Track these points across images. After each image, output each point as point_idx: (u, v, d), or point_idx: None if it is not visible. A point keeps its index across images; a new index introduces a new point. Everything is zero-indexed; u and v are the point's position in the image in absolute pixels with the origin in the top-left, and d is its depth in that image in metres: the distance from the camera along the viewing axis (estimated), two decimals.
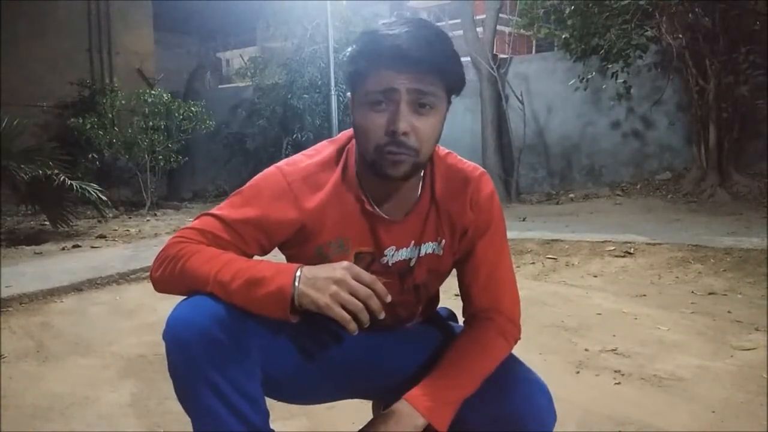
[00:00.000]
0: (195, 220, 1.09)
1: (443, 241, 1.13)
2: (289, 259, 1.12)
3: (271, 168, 1.10)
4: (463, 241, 1.14)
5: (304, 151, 1.13)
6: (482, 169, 1.15)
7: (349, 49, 1.03)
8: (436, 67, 0.98)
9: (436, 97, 0.99)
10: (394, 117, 0.97)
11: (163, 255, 1.04)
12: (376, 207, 1.09)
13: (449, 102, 1.04)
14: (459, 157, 1.16)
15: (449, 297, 1.39)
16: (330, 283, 0.94)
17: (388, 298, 0.97)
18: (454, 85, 1.02)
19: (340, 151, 1.11)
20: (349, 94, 1.06)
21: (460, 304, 1.20)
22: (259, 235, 1.06)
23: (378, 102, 0.98)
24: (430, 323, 1.26)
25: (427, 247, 1.13)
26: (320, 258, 1.07)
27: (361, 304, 0.94)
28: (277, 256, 1.13)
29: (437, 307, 1.32)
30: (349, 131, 1.12)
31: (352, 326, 0.94)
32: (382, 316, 0.96)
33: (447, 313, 1.33)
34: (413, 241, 1.12)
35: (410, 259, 1.13)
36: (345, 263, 0.97)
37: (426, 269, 1.15)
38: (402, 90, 0.97)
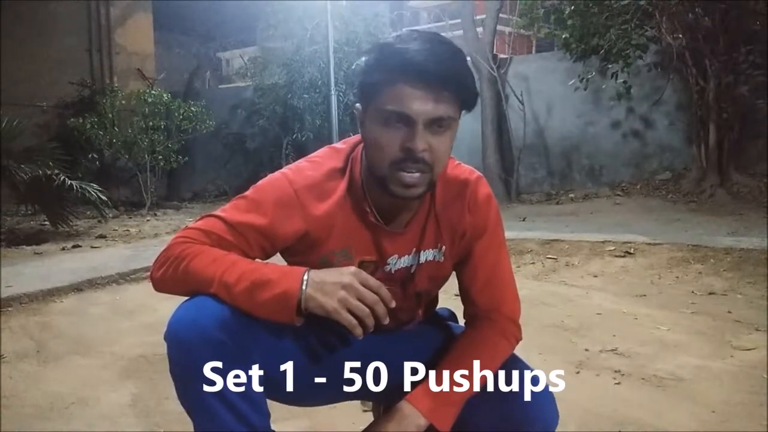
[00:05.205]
0: (198, 220, 1.08)
1: (443, 247, 1.13)
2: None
3: (277, 174, 1.10)
4: (461, 243, 1.14)
5: (308, 158, 1.13)
6: (478, 173, 1.15)
7: (363, 59, 1.02)
8: (453, 85, 0.97)
9: (451, 116, 0.99)
10: (412, 135, 0.96)
11: (166, 255, 1.03)
12: (380, 218, 1.08)
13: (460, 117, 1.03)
14: (456, 161, 1.15)
15: (449, 297, 1.39)
16: (338, 288, 0.94)
17: (393, 304, 0.97)
18: (468, 102, 1.02)
19: (346, 159, 1.10)
20: (358, 105, 1.05)
21: (461, 304, 1.20)
22: (262, 241, 1.05)
23: (394, 119, 0.97)
24: (431, 324, 1.26)
25: (427, 254, 1.13)
26: (324, 266, 1.05)
27: (368, 310, 0.94)
28: (278, 258, 1.13)
29: (437, 308, 1.31)
30: (354, 138, 1.12)
31: (359, 331, 0.94)
32: (387, 321, 0.96)
33: (447, 314, 1.33)
34: (414, 249, 1.12)
35: (411, 266, 1.13)
36: (352, 268, 0.98)
37: (427, 276, 1.15)
38: (420, 109, 0.96)
